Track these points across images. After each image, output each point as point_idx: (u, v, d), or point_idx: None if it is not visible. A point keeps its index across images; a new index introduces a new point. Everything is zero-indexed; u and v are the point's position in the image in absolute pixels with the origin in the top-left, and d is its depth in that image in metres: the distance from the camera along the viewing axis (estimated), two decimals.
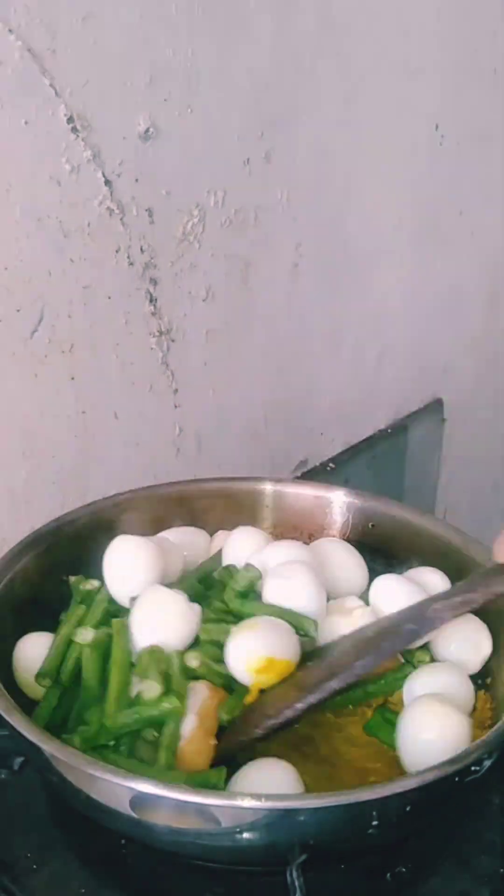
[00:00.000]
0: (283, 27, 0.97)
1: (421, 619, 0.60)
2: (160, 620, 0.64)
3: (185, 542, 0.77)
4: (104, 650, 0.64)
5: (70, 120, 0.79)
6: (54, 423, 0.86)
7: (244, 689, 0.61)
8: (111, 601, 0.69)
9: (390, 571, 0.74)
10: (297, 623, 0.63)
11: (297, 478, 1.20)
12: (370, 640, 0.61)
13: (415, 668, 0.65)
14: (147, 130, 0.86)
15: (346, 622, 0.65)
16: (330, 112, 1.08)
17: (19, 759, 0.63)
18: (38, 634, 0.67)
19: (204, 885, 0.58)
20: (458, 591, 0.60)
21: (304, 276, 1.12)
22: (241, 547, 0.73)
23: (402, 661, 0.66)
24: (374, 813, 0.52)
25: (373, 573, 0.74)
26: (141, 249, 0.89)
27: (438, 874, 0.60)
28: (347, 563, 0.74)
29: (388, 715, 0.63)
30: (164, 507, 0.80)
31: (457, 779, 0.54)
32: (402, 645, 0.61)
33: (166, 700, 0.58)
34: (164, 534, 0.77)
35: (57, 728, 0.61)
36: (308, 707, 0.59)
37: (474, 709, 0.65)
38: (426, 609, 0.60)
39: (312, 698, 0.59)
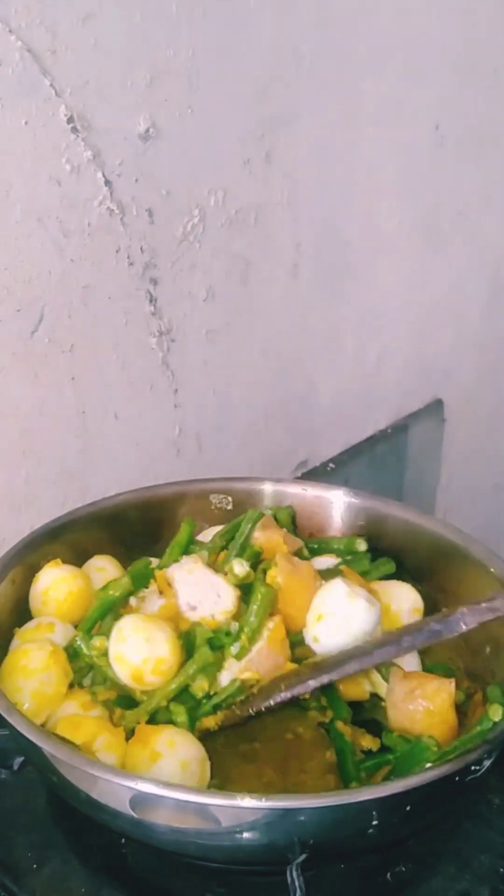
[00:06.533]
0: (282, 27, 0.97)
1: (446, 621, 0.61)
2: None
3: None
4: None
5: (70, 120, 0.79)
6: (54, 423, 0.86)
7: None
8: None
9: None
10: None
11: (298, 478, 1.20)
12: (393, 634, 0.64)
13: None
14: (147, 130, 0.86)
15: None
16: (330, 112, 1.08)
17: (19, 759, 0.63)
18: None
19: (204, 885, 0.59)
20: (484, 600, 0.60)
21: (304, 276, 1.12)
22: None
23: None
24: (374, 813, 0.52)
25: None
26: (141, 249, 0.89)
27: (438, 874, 0.61)
28: None
29: None
30: (164, 507, 0.80)
31: (457, 779, 0.54)
32: (422, 641, 0.62)
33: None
34: None
35: None
36: (321, 685, 0.61)
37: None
38: (453, 612, 0.61)
39: (326, 677, 0.61)
